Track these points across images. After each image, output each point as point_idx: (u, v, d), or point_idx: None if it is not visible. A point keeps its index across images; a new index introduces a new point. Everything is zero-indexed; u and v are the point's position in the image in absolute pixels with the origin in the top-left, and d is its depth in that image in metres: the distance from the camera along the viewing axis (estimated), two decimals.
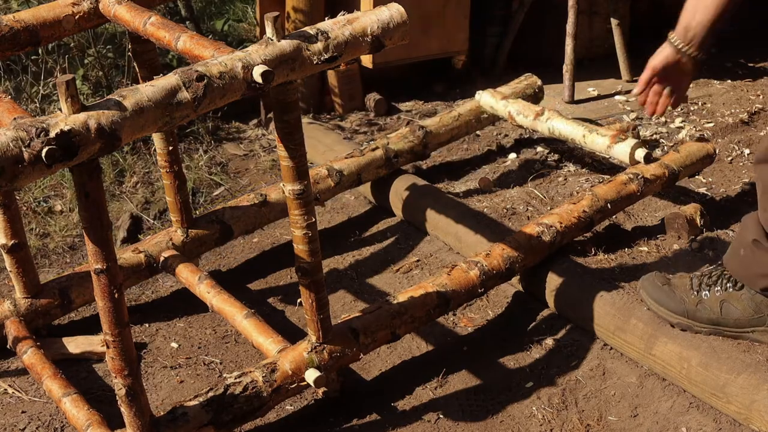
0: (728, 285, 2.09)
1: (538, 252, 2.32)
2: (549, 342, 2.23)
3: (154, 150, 2.55)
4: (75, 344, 2.25)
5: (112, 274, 1.64)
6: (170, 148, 2.31)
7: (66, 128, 1.45)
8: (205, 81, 1.59)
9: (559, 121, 2.87)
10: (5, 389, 2.13)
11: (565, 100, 3.58)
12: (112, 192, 2.94)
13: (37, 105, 3.19)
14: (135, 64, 2.26)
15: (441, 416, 2.01)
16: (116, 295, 1.66)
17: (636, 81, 2.14)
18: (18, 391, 2.13)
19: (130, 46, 2.25)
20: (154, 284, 2.51)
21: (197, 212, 2.76)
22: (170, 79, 1.58)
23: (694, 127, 3.26)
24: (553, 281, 2.32)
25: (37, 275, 2.27)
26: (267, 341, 2.04)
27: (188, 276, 2.28)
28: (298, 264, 1.89)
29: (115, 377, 1.74)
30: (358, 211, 2.89)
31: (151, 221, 2.81)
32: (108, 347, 1.72)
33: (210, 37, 3.52)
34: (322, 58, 1.71)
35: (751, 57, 3.74)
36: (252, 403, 1.90)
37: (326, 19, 1.78)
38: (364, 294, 2.46)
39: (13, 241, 2.17)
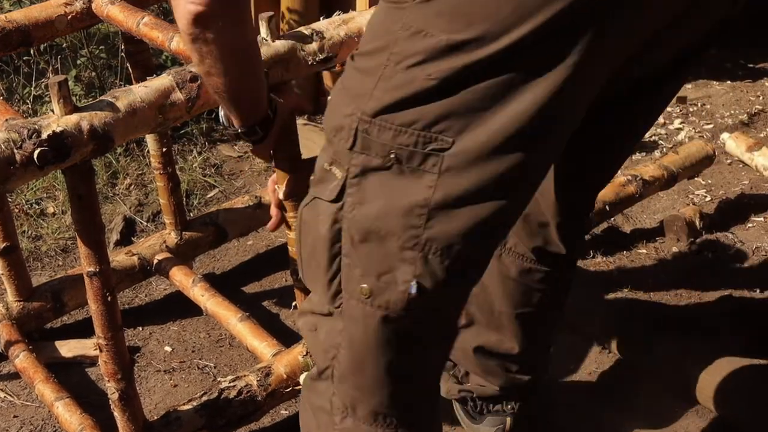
0: None
1: None
2: None
3: (148, 152, 2.52)
4: (67, 348, 2.23)
5: (105, 276, 1.62)
6: (164, 149, 2.28)
7: (58, 130, 1.42)
8: (199, 82, 1.56)
9: None
10: None
11: None
12: (105, 194, 2.91)
13: (30, 106, 3.16)
14: (128, 64, 2.23)
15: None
16: (109, 298, 1.64)
17: None
18: (10, 395, 2.11)
19: (123, 47, 2.23)
20: (148, 287, 2.49)
21: (191, 214, 2.74)
22: (164, 80, 1.56)
23: (693, 128, 3.25)
24: None
25: (29, 278, 2.25)
26: (262, 345, 2.01)
27: (182, 279, 2.26)
28: (293, 267, 1.87)
29: (108, 381, 1.72)
30: None
31: (145, 223, 2.78)
32: (101, 351, 1.69)
33: None
34: (317, 59, 1.68)
35: (751, 58, 3.72)
36: (247, 408, 1.88)
37: (321, 19, 1.75)
38: None
39: (5, 244, 2.13)
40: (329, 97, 1.28)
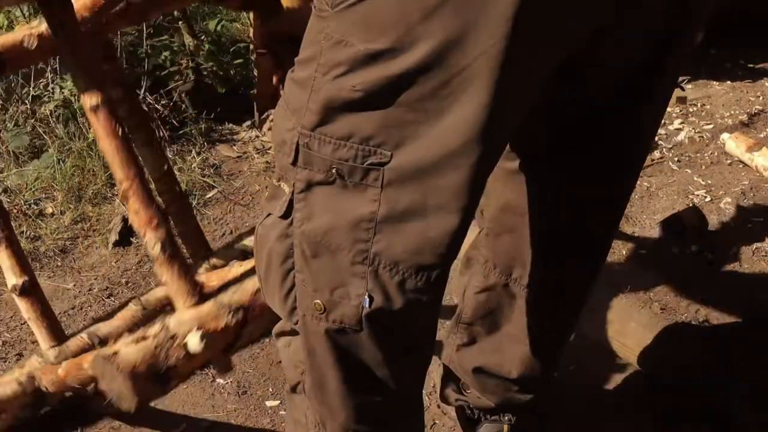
0: None
1: None
2: None
3: None
4: None
5: (108, 107, 1.52)
6: (165, 168, 2.10)
7: None
8: None
9: None
10: None
11: None
12: (103, 194, 2.91)
13: (28, 106, 3.15)
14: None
15: (436, 422, 1.98)
16: (120, 131, 1.52)
17: None
18: None
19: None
20: (147, 289, 2.47)
21: None
22: None
23: (693, 128, 3.24)
24: None
25: (57, 318, 1.99)
26: None
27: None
28: None
29: (144, 234, 1.56)
30: None
31: None
32: (127, 199, 1.54)
33: (203, 38, 3.50)
34: None
35: (751, 58, 3.71)
36: None
37: None
38: None
39: (23, 279, 1.89)
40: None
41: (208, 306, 1.57)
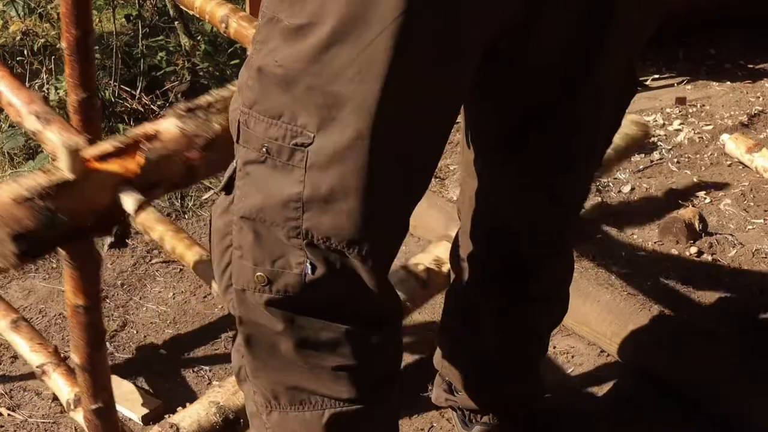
0: None
1: None
2: None
3: None
4: None
5: None
6: None
7: None
8: None
9: None
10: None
11: None
12: None
13: None
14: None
15: (434, 424, 1.97)
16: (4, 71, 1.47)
17: None
18: (12, 413, 2.08)
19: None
20: (142, 290, 2.46)
21: (186, 216, 2.71)
22: None
23: (693, 129, 3.23)
24: None
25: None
26: None
27: None
28: None
29: (21, 118, 1.43)
30: None
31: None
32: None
33: (199, 38, 3.49)
34: None
35: (750, 58, 3.70)
36: None
37: None
38: None
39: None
40: None
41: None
